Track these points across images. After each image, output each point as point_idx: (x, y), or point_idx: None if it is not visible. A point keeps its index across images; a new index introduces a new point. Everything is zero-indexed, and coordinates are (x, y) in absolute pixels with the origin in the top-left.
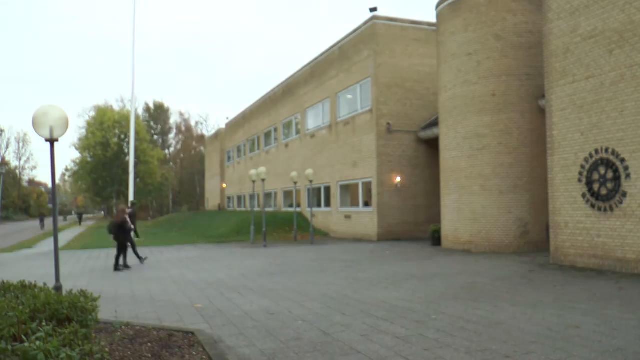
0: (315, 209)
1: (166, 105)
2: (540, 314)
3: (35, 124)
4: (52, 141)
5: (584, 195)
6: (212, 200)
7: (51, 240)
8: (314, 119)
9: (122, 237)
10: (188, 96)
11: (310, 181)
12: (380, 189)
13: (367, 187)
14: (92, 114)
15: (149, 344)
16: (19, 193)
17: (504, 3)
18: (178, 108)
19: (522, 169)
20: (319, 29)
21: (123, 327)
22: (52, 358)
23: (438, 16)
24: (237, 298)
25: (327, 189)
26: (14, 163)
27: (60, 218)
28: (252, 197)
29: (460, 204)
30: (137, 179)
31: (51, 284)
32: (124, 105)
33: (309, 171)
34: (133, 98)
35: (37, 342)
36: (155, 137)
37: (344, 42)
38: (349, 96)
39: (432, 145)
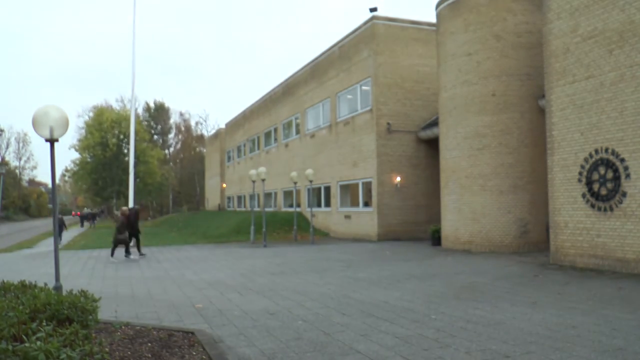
0: (315, 209)
1: (166, 105)
2: (540, 314)
3: (35, 124)
4: (52, 141)
5: (583, 195)
6: (212, 200)
7: (51, 240)
8: (314, 119)
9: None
10: (188, 96)
11: (310, 181)
12: (380, 189)
13: (367, 187)
14: (92, 114)
15: (149, 344)
16: (19, 193)
17: (504, 3)
18: (178, 108)
19: (522, 169)
20: (319, 28)
21: (123, 327)
22: (52, 358)
23: (438, 16)
24: (237, 298)
25: (327, 189)
26: (14, 163)
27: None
28: (252, 197)
29: (460, 204)
30: (137, 179)
31: (51, 284)
32: (124, 105)
33: (309, 171)
34: (133, 98)
35: (38, 343)
36: (155, 137)
37: (344, 42)
38: (349, 96)
39: (432, 145)
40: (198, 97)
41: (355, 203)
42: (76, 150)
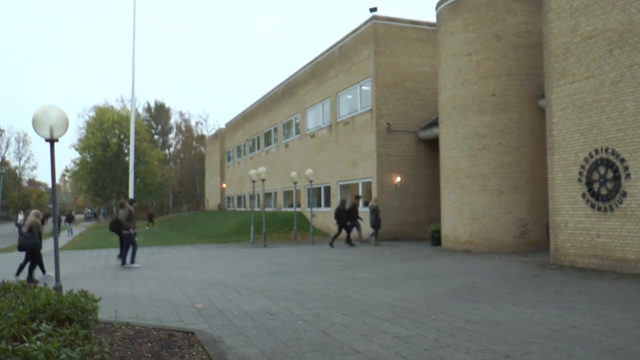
0: (315, 209)
1: (167, 105)
2: (540, 314)
3: (35, 124)
4: (52, 141)
5: (583, 195)
6: (212, 200)
7: (51, 240)
8: (314, 119)
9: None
10: (188, 96)
11: (310, 181)
12: (380, 189)
13: (367, 187)
14: (92, 114)
15: (149, 344)
16: (19, 193)
17: (504, 3)
18: (178, 108)
19: (522, 169)
20: (319, 28)
21: (123, 327)
22: (52, 358)
23: (438, 16)
24: (237, 298)
25: (327, 189)
26: (14, 163)
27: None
28: (252, 197)
29: (460, 203)
30: (137, 179)
31: (51, 284)
32: (124, 105)
33: (309, 171)
34: (133, 98)
35: (38, 343)
36: (156, 137)
37: (344, 42)
38: (349, 96)
39: (432, 145)
40: (198, 97)
41: None
42: (76, 149)
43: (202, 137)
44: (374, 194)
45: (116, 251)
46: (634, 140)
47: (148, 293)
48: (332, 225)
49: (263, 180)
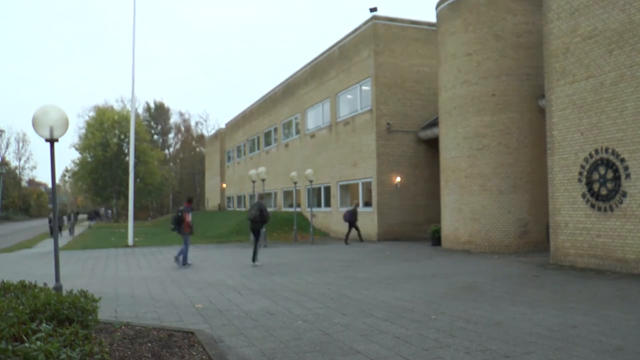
0: (315, 209)
1: (166, 105)
2: (540, 314)
3: (35, 124)
4: (52, 141)
5: (583, 195)
6: (212, 200)
7: (51, 240)
8: (314, 119)
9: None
10: (188, 96)
11: (310, 181)
12: (380, 189)
13: (367, 187)
14: (92, 114)
15: (149, 344)
16: (19, 193)
17: (504, 3)
18: (178, 108)
19: (522, 169)
20: (319, 28)
21: (123, 327)
22: (52, 358)
23: (438, 16)
24: (237, 298)
25: (327, 189)
26: (14, 163)
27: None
28: (252, 197)
29: (460, 204)
30: (137, 179)
31: (51, 284)
32: (124, 105)
33: (309, 171)
34: (133, 98)
35: (38, 343)
36: (155, 137)
37: (344, 42)
38: (349, 96)
39: (432, 145)
40: (198, 97)
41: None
42: (77, 149)
43: (201, 137)
44: (374, 193)
45: (116, 251)
46: (634, 140)
47: (148, 293)
48: (332, 225)
49: (263, 180)
